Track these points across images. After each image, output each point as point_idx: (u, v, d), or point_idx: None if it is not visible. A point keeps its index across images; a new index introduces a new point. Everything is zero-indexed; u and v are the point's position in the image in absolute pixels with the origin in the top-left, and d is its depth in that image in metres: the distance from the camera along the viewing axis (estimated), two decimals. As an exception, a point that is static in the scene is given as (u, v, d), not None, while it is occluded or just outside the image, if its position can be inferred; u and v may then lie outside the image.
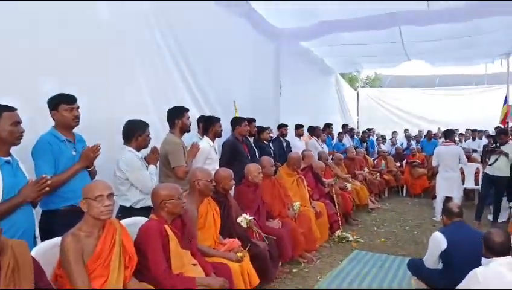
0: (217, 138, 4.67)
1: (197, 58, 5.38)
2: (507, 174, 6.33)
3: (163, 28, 4.80)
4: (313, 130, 8.22)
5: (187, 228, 3.02)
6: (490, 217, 6.84)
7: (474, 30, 7.56)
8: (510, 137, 6.65)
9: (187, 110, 4.03)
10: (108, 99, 3.88)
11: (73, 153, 2.92)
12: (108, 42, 3.95)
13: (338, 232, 5.84)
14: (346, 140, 9.95)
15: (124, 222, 2.85)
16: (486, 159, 6.71)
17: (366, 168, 8.90)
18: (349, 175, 7.89)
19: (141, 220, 2.95)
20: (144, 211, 3.25)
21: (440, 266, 3.69)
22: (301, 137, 7.91)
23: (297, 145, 7.53)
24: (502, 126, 9.76)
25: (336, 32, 7.14)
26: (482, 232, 3.13)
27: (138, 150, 3.42)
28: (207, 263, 3.03)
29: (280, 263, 4.44)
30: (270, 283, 4.05)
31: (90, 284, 2.29)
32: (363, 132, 11.64)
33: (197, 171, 3.50)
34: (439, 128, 12.36)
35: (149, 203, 3.29)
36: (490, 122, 10.84)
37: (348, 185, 7.09)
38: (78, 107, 2.93)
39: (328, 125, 9.32)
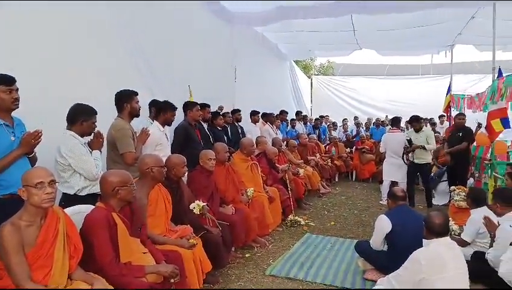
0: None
1: (149, 42, 5.20)
2: (429, 160, 6.74)
3: (115, 9, 4.58)
4: (267, 117, 8.28)
5: (136, 216, 2.94)
6: (432, 200, 7.28)
7: (421, 21, 7.88)
8: (440, 121, 7.11)
9: (136, 93, 3.87)
10: (54, 81, 3.68)
11: (12, 138, 2.74)
12: (56, 22, 3.75)
13: (290, 217, 5.96)
14: (300, 126, 10.13)
15: (68, 210, 2.74)
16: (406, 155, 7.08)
17: (318, 154, 9.13)
18: (302, 161, 8.06)
19: (87, 208, 2.83)
20: (90, 199, 3.13)
21: (385, 247, 3.89)
22: (256, 123, 7.93)
23: (253, 131, 7.56)
24: (445, 114, 10.34)
25: (289, 18, 7.17)
26: (423, 215, 3.31)
27: (82, 136, 3.25)
28: (157, 251, 2.98)
29: (233, 249, 4.48)
30: (223, 268, 4.07)
31: (31, 275, 2.19)
32: (316, 119, 11.91)
33: (147, 158, 3.40)
34: (386, 116, 12.88)
35: (94, 190, 3.20)
36: (435, 110, 11.42)
37: (301, 171, 7.24)
38: (17, 89, 2.74)
39: (282, 112, 9.42)
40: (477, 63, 13.38)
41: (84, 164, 3.16)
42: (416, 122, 6.90)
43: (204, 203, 3.89)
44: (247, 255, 4.56)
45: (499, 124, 5.76)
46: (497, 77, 5.95)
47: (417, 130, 6.82)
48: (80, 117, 3.21)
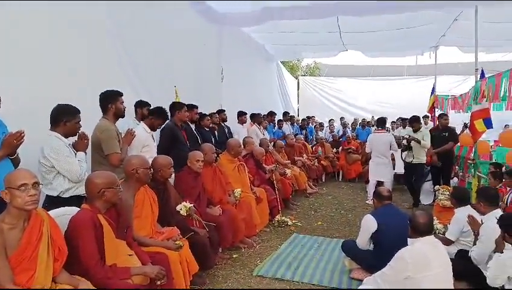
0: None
1: (135, 41, 5.15)
2: (423, 160, 6.85)
3: (99, 9, 4.52)
4: (254, 117, 8.28)
5: (122, 218, 2.91)
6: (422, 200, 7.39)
7: (406, 23, 7.98)
8: (424, 122, 7.23)
9: (121, 94, 3.83)
10: (36, 81, 3.62)
11: (-7, 139, 2.68)
12: (38, 22, 3.69)
13: (277, 217, 5.97)
14: (287, 127, 10.16)
15: (53, 212, 2.71)
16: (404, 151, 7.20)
17: (305, 155, 9.17)
18: (289, 161, 8.09)
19: (72, 210, 2.79)
20: (73, 201, 3.09)
21: (371, 246, 3.92)
22: (244, 124, 7.93)
23: (240, 132, 7.55)
24: (430, 115, 10.48)
25: (276, 19, 7.17)
26: (408, 214, 3.35)
27: (66, 136, 3.21)
28: (143, 253, 2.95)
29: (220, 250, 4.47)
30: (210, 269, 4.06)
31: (14, 279, 2.15)
32: (303, 120, 11.97)
33: (133, 159, 3.37)
34: (372, 117, 13.00)
35: (78, 192, 3.17)
36: (420, 111, 11.57)
37: (288, 171, 7.26)
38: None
39: (271, 114, 9.43)
40: (460, 64, 13.58)
41: (68, 166, 3.11)
42: (416, 122, 7.04)
43: (191, 205, 3.87)
44: (234, 256, 4.55)
45: (482, 125, 5.86)
46: (480, 78, 6.05)
47: (415, 130, 6.94)
48: (63, 117, 3.17)
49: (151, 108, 4.63)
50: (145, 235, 3.30)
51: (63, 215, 2.77)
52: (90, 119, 3.69)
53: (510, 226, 2.90)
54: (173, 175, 4.11)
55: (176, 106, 5.09)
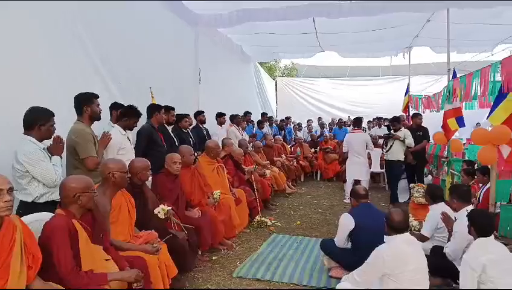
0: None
1: (110, 43, 5.05)
2: (401, 158, 7.02)
3: (73, 9, 4.42)
4: (233, 118, 8.27)
5: (98, 222, 2.86)
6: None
7: (380, 24, 8.13)
8: (402, 124, 7.43)
9: (97, 96, 3.76)
10: (9, 83, 3.51)
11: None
12: (9, 22, 3.59)
13: (257, 218, 5.99)
14: (266, 128, 10.19)
15: (27, 218, 2.64)
16: (384, 146, 7.37)
17: (283, 155, 9.23)
18: (268, 162, 8.12)
19: (46, 215, 2.72)
20: (48, 206, 3.02)
21: (349, 245, 3.98)
22: (222, 125, 7.90)
23: (219, 133, 7.53)
24: (404, 114, 10.72)
25: (252, 20, 7.18)
26: (385, 212, 3.41)
27: (40, 140, 3.13)
28: (121, 258, 2.90)
29: (200, 252, 4.45)
30: (189, 272, 4.03)
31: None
32: (281, 120, 12.04)
33: (109, 163, 3.31)
34: (349, 117, 13.19)
35: (53, 197, 3.10)
36: (395, 110, 11.81)
37: (267, 172, 7.29)
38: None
39: (247, 114, 9.43)
40: (433, 64, 13.95)
41: (42, 170, 3.04)
42: (396, 122, 7.19)
43: (169, 207, 3.83)
44: (214, 258, 4.53)
45: (455, 123, 6.03)
46: (452, 78, 6.23)
47: (396, 130, 7.08)
48: (37, 121, 3.09)
49: (121, 110, 4.54)
50: (122, 239, 3.25)
51: (37, 221, 2.70)
52: (65, 122, 3.61)
53: (475, 220, 2.99)
54: (150, 178, 4.06)
55: (153, 108, 5.03)
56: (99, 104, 3.78)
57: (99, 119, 3.84)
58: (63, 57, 4.31)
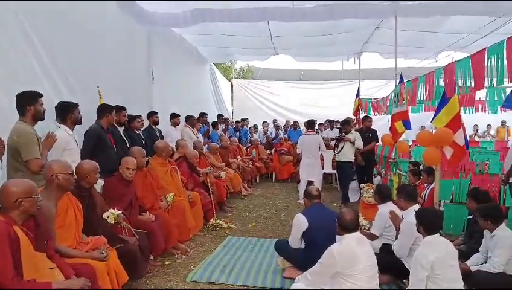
0: (78, 128, 4.25)
1: (56, 40, 4.77)
2: (351, 159, 7.25)
3: (17, 4, 4.14)
4: (188, 120, 8.15)
5: (42, 228, 2.70)
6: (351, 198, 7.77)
7: (332, 30, 8.35)
8: (352, 126, 7.70)
9: (41, 95, 3.56)
10: None
11: None
12: None
13: (212, 220, 5.93)
14: (221, 129, 10.15)
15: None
16: (336, 148, 7.57)
17: (239, 157, 9.22)
18: (224, 164, 8.07)
19: (-17, 222, 2.52)
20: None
21: (303, 245, 4.03)
22: (177, 126, 7.75)
23: (173, 134, 7.37)
24: (354, 117, 11.08)
25: (207, 21, 7.11)
26: (337, 212, 3.48)
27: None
28: (66, 265, 2.76)
29: (152, 257, 4.32)
30: (141, 278, 3.91)
31: None
32: (237, 122, 12.02)
33: (53, 164, 3.15)
34: (304, 123, 13.40)
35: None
36: (346, 113, 12.18)
37: (222, 174, 7.24)
38: None
39: (202, 115, 9.34)
40: (382, 69, 14.53)
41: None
42: (347, 124, 7.42)
43: (119, 212, 3.68)
44: (167, 263, 4.43)
45: (401, 126, 6.29)
46: (399, 83, 6.52)
47: (346, 132, 7.26)
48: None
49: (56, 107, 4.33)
50: (68, 245, 3.09)
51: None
52: (5, 122, 3.38)
53: (423, 219, 3.13)
54: (99, 181, 3.89)
55: (104, 108, 4.83)
56: (43, 103, 3.57)
57: (43, 119, 3.62)
58: (5, 54, 4.01)
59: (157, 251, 4.35)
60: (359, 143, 7.22)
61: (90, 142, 4.50)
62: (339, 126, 10.03)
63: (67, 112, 4.14)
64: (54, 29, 4.75)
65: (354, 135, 7.26)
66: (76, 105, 4.23)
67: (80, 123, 4.31)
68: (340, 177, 7.75)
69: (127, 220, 3.90)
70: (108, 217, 3.58)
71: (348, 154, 7.23)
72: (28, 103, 3.48)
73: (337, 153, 7.41)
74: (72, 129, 4.14)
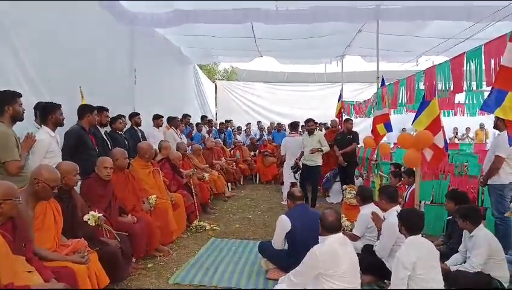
0: (59, 129, 4.17)
1: (36, 39, 4.69)
2: (320, 163, 7.21)
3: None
4: (171, 121, 8.09)
5: (20, 231, 2.64)
6: (328, 199, 7.85)
7: (315, 33, 8.41)
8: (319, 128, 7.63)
9: (19, 95, 3.48)
10: None
11: None
12: None
13: (195, 222, 5.89)
14: (205, 131, 10.11)
15: None
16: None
17: (223, 158, 9.20)
18: (207, 165, 8.04)
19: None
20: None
21: (286, 246, 4.04)
22: (159, 128, 7.68)
23: (156, 135, 7.30)
24: (337, 119, 11.19)
25: (190, 22, 7.08)
26: (320, 213, 3.51)
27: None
28: (46, 269, 2.70)
29: (134, 260, 4.27)
30: (123, 281, 3.85)
31: None
32: (221, 123, 12.00)
33: (43, 171, 3.07)
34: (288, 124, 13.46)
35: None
36: (330, 115, 12.29)
37: (206, 175, 7.20)
38: None
39: (185, 116, 9.29)
40: (364, 72, 14.72)
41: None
42: (313, 123, 7.33)
43: (100, 214, 3.62)
44: (149, 265, 4.38)
45: (383, 128, 6.39)
46: (381, 86, 6.62)
47: (310, 134, 7.25)
48: None
49: (37, 108, 4.25)
50: (48, 248, 3.03)
51: None
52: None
53: (405, 219, 3.17)
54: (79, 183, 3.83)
55: (85, 109, 4.74)
56: (21, 104, 3.49)
57: (21, 119, 3.55)
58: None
59: (139, 254, 4.30)
60: (326, 148, 7.16)
61: (70, 143, 4.41)
62: (325, 128, 10.13)
63: (48, 113, 4.03)
64: (33, 28, 4.65)
65: (318, 137, 7.24)
66: (59, 106, 4.13)
67: (62, 125, 4.21)
68: (311, 181, 7.35)
69: (109, 223, 3.84)
70: (89, 219, 3.51)
71: (314, 158, 7.12)
72: (6, 103, 3.40)
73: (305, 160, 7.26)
74: (53, 131, 4.06)
